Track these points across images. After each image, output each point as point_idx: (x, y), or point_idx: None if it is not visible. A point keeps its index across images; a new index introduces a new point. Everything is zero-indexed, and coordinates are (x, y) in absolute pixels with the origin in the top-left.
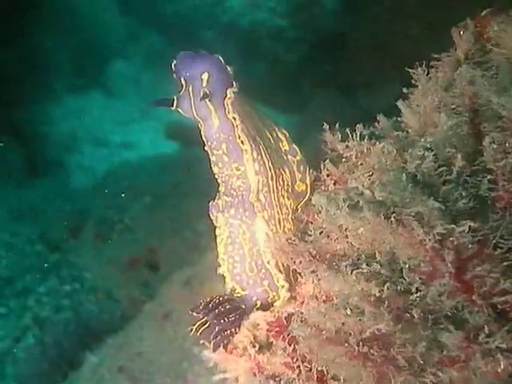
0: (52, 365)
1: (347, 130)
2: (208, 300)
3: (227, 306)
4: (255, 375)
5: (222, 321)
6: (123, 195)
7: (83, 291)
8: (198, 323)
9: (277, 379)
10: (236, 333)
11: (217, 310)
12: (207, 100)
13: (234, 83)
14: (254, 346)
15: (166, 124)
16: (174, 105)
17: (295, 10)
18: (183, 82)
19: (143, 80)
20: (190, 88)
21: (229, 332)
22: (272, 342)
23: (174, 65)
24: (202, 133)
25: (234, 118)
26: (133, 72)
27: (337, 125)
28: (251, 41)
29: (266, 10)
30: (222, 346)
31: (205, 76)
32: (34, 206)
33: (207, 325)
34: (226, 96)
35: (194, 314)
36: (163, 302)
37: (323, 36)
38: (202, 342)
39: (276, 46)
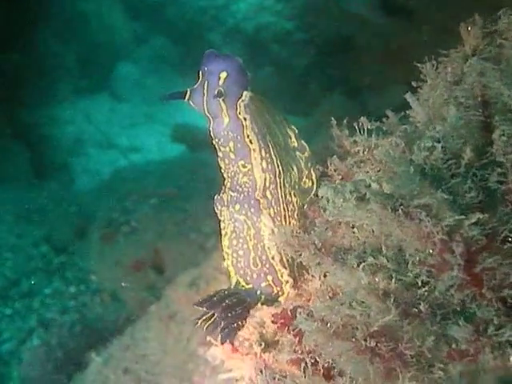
0: (57, 366)
1: (355, 127)
2: (213, 294)
3: (233, 300)
4: (261, 373)
5: (229, 314)
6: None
7: (89, 293)
8: (204, 317)
9: (282, 377)
10: (243, 326)
11: (224, 304)
12: (220, 99)
13: (249, 88)
14: (260, 345)
15: (172, 127)
16: (187, 97)
17: (302, 13)
18: (200, 75)
19: (149, 83)
20: (206, 83)
21: (236, 325)
22: (278, 340)
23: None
24: (210, 128)
25: (245, 119)
26: (139, 75)
27: (344, 121)
28: (258, 44)
29: (273, 14)
30: (229, 340)
31: (223, 75)
32: (40, 208)
33: (213, 319)
34: (241, 98)
35: (200, 307)
36: (169, 303)
37: (330, 39)
38: (208, 337)
39: (283, 50)
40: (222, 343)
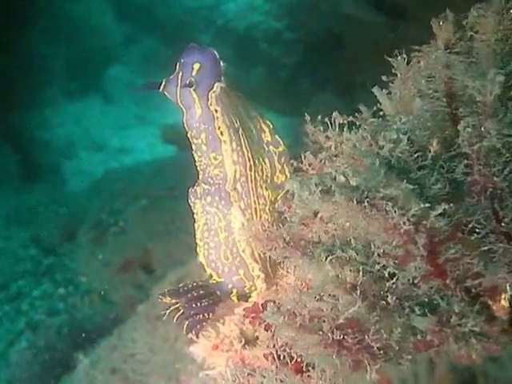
0: (45, 368)
1: (331, 122)
2: (181, 285)
3: (200, 292)
4: (240, 370)
5: (193, 305)
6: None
7: (77, 294)
8: (172, 308)
9: (252, 371)
10: (209, 318)
11: (189, 295)
12: (191, 89)
13: (222, 78)
14: (241, 341)
15: (162, 128)
16: (161, 87)
17: (292, 12)
18: (177, 67)
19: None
20: (180, 74)
21: (201, 317)
22: (258, 337)
23: None
24: (183, 120)
25: (216, 110)
26: (130, 77)
27: (319, 116)
28: (248, 44)
29: (263, 13)
30: (194, 332)
31: (196, 66)
32: (30, 210)
33: (182, 311)
34: (212, 88)
35: (163, 298)
36: (155, 302)
37: (320, 38)
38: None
39: (273, 49)
40: (187, 333)
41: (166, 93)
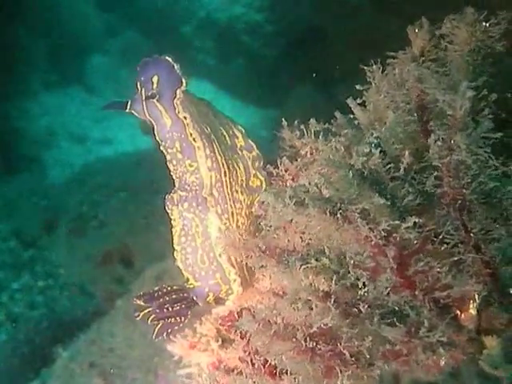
0: (24, 361)
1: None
2: (157, 289)
3: (173, 296)
4: (216, 370)
5: (165, 310)
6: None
7: (57, 287)
8: (145, 311)
9: (233, 373)
10: (182, 322)
11: (161, 299)
12: (155, 100)
13: (183, 82)
14: (217, 341)
15: (141, 119)
16: (128, 107)
17: (273, 4)
18: (139, 86)
19: (121, 76)
20: (143, 91)
21: (173, 321)
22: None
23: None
24: (155, 133)
25: (185, 117)
26: (111, 68)
27: (295, 122)
28: (229, 36)
29: (244, 5)
30: (165, 335)
31: (155, 79)
32: (9, 202)
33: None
34: (176, 96)
35: (137, 301)
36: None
37: (301, 31)
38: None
39: (253, 41)
40: (155, 338)
41: (133, 112)
